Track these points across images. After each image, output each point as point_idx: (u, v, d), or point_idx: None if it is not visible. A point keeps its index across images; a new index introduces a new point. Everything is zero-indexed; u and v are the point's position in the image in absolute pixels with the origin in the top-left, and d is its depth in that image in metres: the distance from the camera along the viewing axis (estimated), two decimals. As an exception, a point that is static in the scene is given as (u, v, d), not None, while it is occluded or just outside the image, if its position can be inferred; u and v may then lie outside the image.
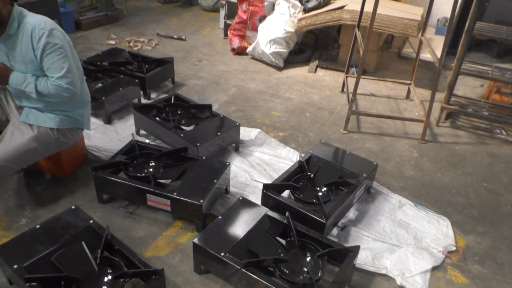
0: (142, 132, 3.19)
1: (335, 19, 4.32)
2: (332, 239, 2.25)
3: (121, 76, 3.59)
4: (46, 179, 2.70)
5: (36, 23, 2.19)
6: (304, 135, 3.42)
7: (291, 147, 3.20)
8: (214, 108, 3.27)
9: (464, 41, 3.44)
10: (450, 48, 4.81)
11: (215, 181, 2.40)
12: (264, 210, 2.26)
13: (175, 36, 5.35)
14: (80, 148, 2.79)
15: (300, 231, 2.11)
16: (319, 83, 4.42)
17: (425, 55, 4.85)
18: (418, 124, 3.63)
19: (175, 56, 4.41)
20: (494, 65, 3.82)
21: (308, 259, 2.02)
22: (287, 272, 1.94)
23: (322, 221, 2.18)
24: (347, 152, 2.84)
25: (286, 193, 2.57)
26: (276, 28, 4.56)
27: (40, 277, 1.78)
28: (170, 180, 2.48)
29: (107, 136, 3.14)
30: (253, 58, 4.87)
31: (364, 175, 2.56)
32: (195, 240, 2.02)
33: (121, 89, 3.38)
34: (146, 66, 3.79)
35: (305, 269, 1.97)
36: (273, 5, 4.97)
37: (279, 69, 4.66)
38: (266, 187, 2.40)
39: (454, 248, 2.40)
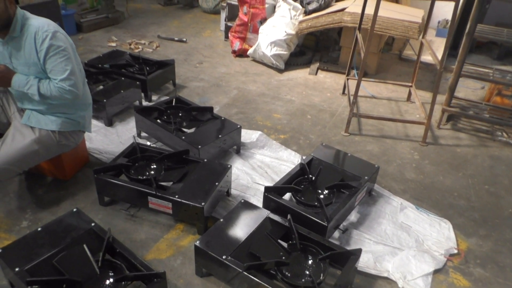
0: (143, 134, 3.19)
1: (336, 21, 4.32)
2: (334, 242, 2.25)
3: (122, 78, 3.59)
4: (47, 181, 2.70)
5: (39, 26, 2.20)
6: (305, 138, 3.42)
7: (292, 150, 3.20)
8: (215, 110, 3.27)
9: (465, 44, 3.44)
10: (451, 50, 4.81)
11: (216, 183, 2.40)
12: (265, 212, 2.25)
13: (176, 38, 5.36)
14: (81, 150, 2.79)
15: (302, 234, 2.11)
16: (320, 85, 4.42)
17: (426, 57, 4.85)
18: (419, 126, 3.62)
19: (176, 58, 4.41)
20: (495, 67, 3.82)
21: (310, 262, 2.02)
22: (289, 275, 1.94)
23: (324, 224, 2.18)
24: (349, 154, 2.84)
25: (287, 196, 2.57)
26: (277, 30, 4.56)
27: (42, 280, 1.78)
28: (171, 183, 2.48)
29: (108, 139, 3.14)
30: (254, 60, 4.87)
31: (366, 177, 2.56)
32: (197, 243, 2.02)
33: (122, 91, 3.39)
34: (147, 68, 3.79)
35: (307, 272, 1.96)
36: (274, 7, 4.97)
37: (280, 71, 4.67)
38: (267, 189, 2.39)
39: (455, 251, 2.40)
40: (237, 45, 4.96)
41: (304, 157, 2.77)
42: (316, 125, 3.61)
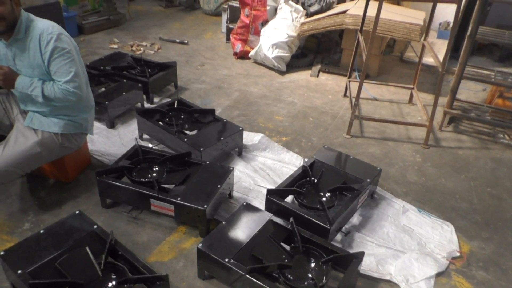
0: (145, 136, 3.19)
1: (337, 23, 4.32)
2: (336, 244, 2.25)
3: (124, 80, 3.59)
4: (49, 183, 2.70)
5: (44, 28, 2.21)
6: (307, 140, 3.42)
7: (294, 152, 3.20)
8: (217, 113, 3.27)
9: (467, 46, 3.44)
10: (452, 52, 4.81)
11: (218, 186, 2.40)
12: (268, 215, 2.25)
13: (177, 40, 5.37)
14: (83, 152, 2.79)
15: (304, 236, 2.11)
16: (322, 87, 4.42)
17: (427, 59, 4.85)
18: (421, 128, 3.62)
19: (177, 60, 4.42)
20: (497, 70, 3.82)
21: (312, 265, 2.02)
22: (292, 278, 1.93)
23: (326, 226, 2.17)
24: (351, 157, 2.84)
25: (289, 198, 2.57)
26: (278, 33, 4.57)
27: (44, 282, 1.78)
28: (173, 185, 2.48)
29: (110, 141, 3.15)
30: (256, 62, 4.88)
31: (368, 180, 2.56)
32: (199, 246, 2.02)
33: (124, 93, 3.39)
34: (149, 70, 3.80)
35: (310, 275, 1.96)
36: (276, 9, 4.98)
37: (282, 73, 4.67)
38: (270, 192, 2.39)
39: (458, 254, 2.40)
40: (238, 47, 4.96)
41: (306, 160, 2.77)
42: (318, 127, 3.61)
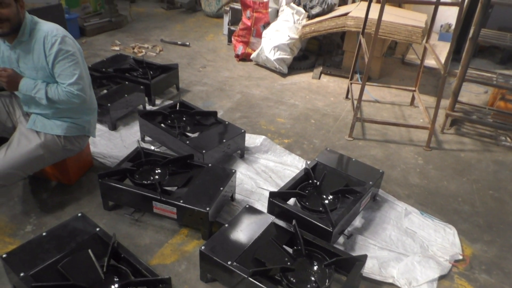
0: (147, 138, 3.19)
1: (339, 25, 4.33)
2: (339, 247, 2.25)
3: (126, 82, 3.59)
4: (51, 186, 2.70)
5: (48, 30, 2.21)
6: (309, 142, 3.42)
7: (296, 154, 3.19)
8: (218, 115, 3.27)
9: (469, 48, 3.44)
10: (453, 54, 4.81)
11: (221, 188, 2.40)
12: (270, 218, 2.25)
13: (179, 42, 5.37)
14: (85, 154, 2.79)
15: (307, 239, 2.11)
16: (324, 89, 4.42)
17: (429, 61, 4.85)
18: (422, 131, 3.62)
19: (179, 62, 4.42)
20: (499, 72, 3.82)
21: (315, 268, 2.01)
22: (294, 281, 1.93)
23: (329, 229, 2.17)
24: (353, 159, 2.84)
25: (292, 201, 2.56)
26: (280, 35, 4.57)
27: (47, 285, 1.79)
28: (176, 188, 2.48)
29: (112, 143, 3.15)
30: (257, 64, 4.88)
31: (370, 183, 2.56)
32: (202, 248, 2.01)
33: (126, 95, 3.39)
34: (151, 72, 3.80)
35: (313, 278, 1.96)
36: (277, 11, 4.99)
37: (283, 75, 4.67)
38: (272, 195, 2.39)
39: (460, 257, 2.39)
40: (240, 49, 4.97)
41: (308, 162, 2.76)
42: (320, 130, 3.61)
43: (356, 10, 4.40)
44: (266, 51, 4.58)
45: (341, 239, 2.40)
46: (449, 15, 5.69)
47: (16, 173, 2.26)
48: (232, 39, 5.11)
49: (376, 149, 3.39)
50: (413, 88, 4.04)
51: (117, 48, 5.05)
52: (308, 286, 1.92)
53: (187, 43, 5.36)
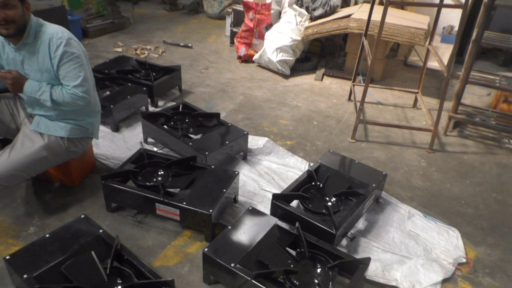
0: (150, 140, 3.19)
1: (341, 27, 4.33)
2: (342, 249, 2.24)
3: (129, 84, 3.60)
4: (54, 187, 2.70)
5: (54, 33, 2.22)
6: (312, 144, 3.41)
7: (299, 156, 3.19)
8: (221, 116, 3.27)
9: (472, 50, 3.44)
10: (456, 56, 4.80)
11: (224, 190, 2.40)
12: (273, 220, 2.25)
13: (181, 44, 5.38)
14: (88, 156, 2.79)
15: (310, 242, 2.10)
16: (326, 91, 4.42)
17: (431, 63, 4.84)
18: (425, 133, 3.61)
19: (181, 64, 4.42)
20: (502, 74, 3.81)
21: (318, 270, 2.01)
22: (298, 283, 1.92)
23: (332, 231, 2.16)
24: (356, 161, 2.83)
25: (295, 203, 2.56)
26: (282, 36, 4.57)
27: (50, 287, 1.78)
28: (178, 189, 2.48)
29: (115, 144, 3.15)
30: (260, 66, 4.88)
31: (374, 185, 2.55)
32: (205, 250, 2.01)
33: (129, 97, 3.39)
34: (154, 74, 3.80)
35: (316, 281, 1.95)
36: (280, 13, 4.99)
37: (286, 77, 4.67)
38: (275, 197, 2.39)
39: (464, 260, 2.38)
40: (242, 50, 4.97)
41: (311, 164, 2.76)
42: (322, 132, 3.61)
43: (359, 12, 4.40)
44: (269, 52, 4.58)
45: (344, 242, 2.40)
46: (451, 17, 5.69)
47: (19, 174, 2.26)
48: (235, 40, 5.12)
49: (379, 151, 3.39)
50: (416, 90, 4.04)
51: (119, 49, 5.06)
52: (312, 288, 1.92)
53: (190, 45, 5.37)
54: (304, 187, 2.54)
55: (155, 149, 3.04)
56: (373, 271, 2.21)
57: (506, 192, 3.01)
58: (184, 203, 2.28)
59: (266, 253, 2.03)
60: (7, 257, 1.90)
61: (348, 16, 4.32)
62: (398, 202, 2.78)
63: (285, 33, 4.59)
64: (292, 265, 2.00)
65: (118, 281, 1.89)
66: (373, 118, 3.91)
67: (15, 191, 2.61)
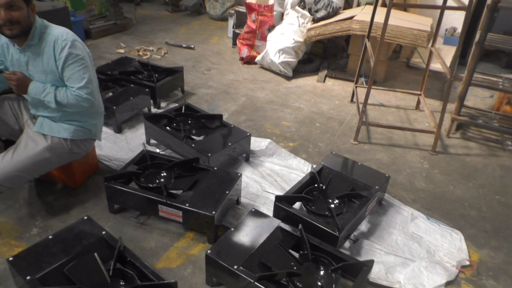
0: (152, 141, 3.19)
1: (344, 29, 4.33)
2: (345, 252, 2.23)
3: (131, 85, 3.60)
4: (57, 188, 2.70)
5: (58, 34, 2.22)
6: (314, 146, 3.41)
7: (302, 158, 3.19)
8: (223, 118, 3.27)
9: (475, 52, 3.43)
10: (459, 58, 4.80)
11: (227, 192, 2.39)
12: (276, 222, 2.24)
13: (184, 45, 5.38)
14: (91, 157, 2.79)
15: (313, 244, 2.10)
16: (328, 92, 4.42)
17: (434, 65, 4.83)
18: (428, 135, 3.60)
19: (184, 65, 4.42)
20: (505, 76, 3.81)
21: (321, 273, 2.00)
22: (301, 286, 1.92)
23: (335, 234, 2.16)
24: (359, 163, 2.83)
25: (297, 205, 2.56)
26: (285, 38, 4.57)
27: (53, 289, 1.78)
28: (181, 191, 2.47)
29: (118, 146, 3.15)
30: (262, 67, 4.88)
31: (376, 187, 2.55)
32: (208, 252, 2.01)
33: (131, 98, 3.40)
34: (156, 75, 3.80)
35: (319, 283, 1.95)
36: (282, 15, 4.99)
37: (288, 78, 4.67)
38: (278, 198, 2.38)
39: (467, 263, 2.37)
40: (245, 52, 4.97)
41: (314, 166, 2.76)
42: (325, 133, 3.61)
43: (361, 14, 4.39)
44: (271, 54, 4.58)
45: (347, 244, 2.39)
46: (454, 19, 5.68)
47: (22, 175, 2.26)
48: (237, 42, 5.12)
49: (382, 153, 3.38)
50: (419, 92, 4.03)
51: (122, 50, 5.06)
52: (315, 291, 1.91)
53: (192, 46, 5.37)
54: (307, 189, 2.54)
55: (157, 150, 3.04)
56: (376, 274, 2.21)
57: (509, 195, 3.00)
58: (187, 204, 2.28)
59: (269, 255, 2.03)
60: (10, 259, 1.90)
61: (351, 17, 4.32)
62: (401, 204, 2.77)
63: (287, 35, 4.59)
64: (295, 268, 2.00)
65: (121, 283, 1.89)
66: (375, 120, 3.90)
67: (18, 192, 2.62)
